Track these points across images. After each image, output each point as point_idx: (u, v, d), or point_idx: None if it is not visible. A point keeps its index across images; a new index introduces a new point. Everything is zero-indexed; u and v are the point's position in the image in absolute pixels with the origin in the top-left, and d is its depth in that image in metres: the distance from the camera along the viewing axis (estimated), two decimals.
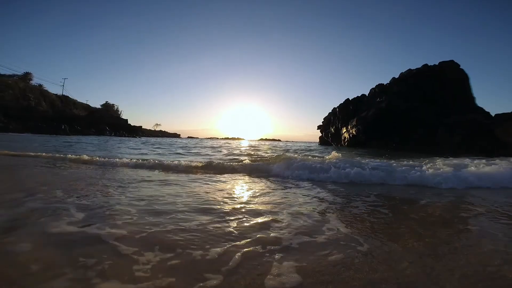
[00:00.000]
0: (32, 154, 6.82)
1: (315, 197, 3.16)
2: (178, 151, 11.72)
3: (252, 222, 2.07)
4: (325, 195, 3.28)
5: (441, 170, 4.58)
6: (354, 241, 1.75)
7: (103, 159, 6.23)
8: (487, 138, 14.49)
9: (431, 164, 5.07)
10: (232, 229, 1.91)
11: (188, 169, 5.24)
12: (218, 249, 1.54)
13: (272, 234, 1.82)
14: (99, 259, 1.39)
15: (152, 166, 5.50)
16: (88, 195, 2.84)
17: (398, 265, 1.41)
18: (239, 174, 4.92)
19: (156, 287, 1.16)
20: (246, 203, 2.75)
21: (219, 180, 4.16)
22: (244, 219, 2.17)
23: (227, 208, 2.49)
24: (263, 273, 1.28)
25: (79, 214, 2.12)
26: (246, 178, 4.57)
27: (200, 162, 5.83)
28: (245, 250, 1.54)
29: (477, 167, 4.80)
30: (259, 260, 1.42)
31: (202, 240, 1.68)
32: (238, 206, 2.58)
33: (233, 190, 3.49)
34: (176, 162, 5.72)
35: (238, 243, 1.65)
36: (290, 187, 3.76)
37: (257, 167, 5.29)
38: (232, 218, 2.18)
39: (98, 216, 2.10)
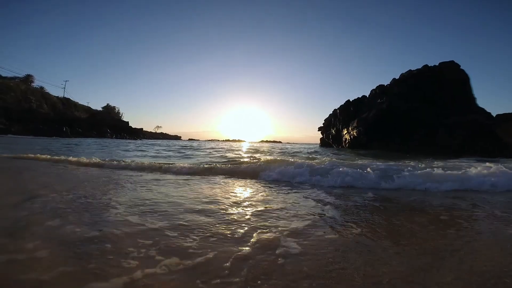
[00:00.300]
0: (57, 158, 7.02)
1: (313, 197, 3.28)
2: (187, 153, 11.82)
3: (263, 212, 2.46)
4: (323, 195, 3.39)
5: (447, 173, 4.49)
6: (349, 227, 2.07)
7: (119, 162, 6.28)
8: (488, 138, 14.54)
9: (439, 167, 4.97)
10: (248, 217, 2.30)
11: (196, 172, 5.28)
12: (242, 230, 1.93)
13: (279, 221, 2.18)
14: (154, 241, 1.66)
15: (165, 169, 5.52)
16: (118, 194, 3.09)
17: (383, 251, 1.61)
18: (241, 176, 4.97)
19: (207, 259, 1.44)
20: (255, 199, 3.05)
21: (227, 182, 4.29)
22: (256, 210, 2.53)
23: (242, 203, 2.83)
24: (275, 245, 1.67)
25: (120, 207, 2.44)
26: (250, 180, 4.64)
27: (205, 164, 5.96)
28: (259, 231, 1.92)
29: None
30: (271, 237, 1.81)
31: (228, 225, 2.04)
32: (249, 201, 2.93)
33: (242, 189, 3.72)
34: (186, 165, 5.77)
35: (254, 225, 2.05)
36: (289, 188, 3.85)
37: (255, 169, 5.29)
38: (247, 209, 2.57)
39: (136, 210, 2.39)
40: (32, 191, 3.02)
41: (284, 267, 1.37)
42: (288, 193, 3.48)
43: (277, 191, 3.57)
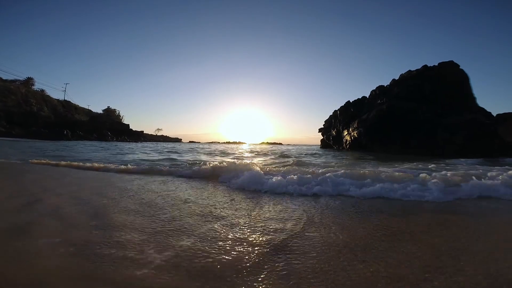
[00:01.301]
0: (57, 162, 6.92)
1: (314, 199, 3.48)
2: (201, 157, 11.75)
3: (275, 201, 3.07)
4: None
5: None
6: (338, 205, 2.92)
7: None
8: (489, 138, 14.51)
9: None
10: (263, 199, 3.03)
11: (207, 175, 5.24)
12: (259, 206, 2.83)
13: (289, 202, 2.99)
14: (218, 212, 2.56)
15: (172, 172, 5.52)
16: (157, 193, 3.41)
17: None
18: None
19: (253, 222, 2.23)
20: (265, 195, 3.43)
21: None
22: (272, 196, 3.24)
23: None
24: (290, 206, 2.79)
25: (186, 198, 3.16)
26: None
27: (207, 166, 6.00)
28: (273, 204, 2.91)
29: None
30: (284, 205, 2.88)
31: (256, 204, 2.95)
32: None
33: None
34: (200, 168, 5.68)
35: (267, 200, 3.12)
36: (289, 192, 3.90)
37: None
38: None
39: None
40: (34, 194, 3.04)
41: None
42: (297, 195, 3.57)
43: (283, 193, 3.66)
